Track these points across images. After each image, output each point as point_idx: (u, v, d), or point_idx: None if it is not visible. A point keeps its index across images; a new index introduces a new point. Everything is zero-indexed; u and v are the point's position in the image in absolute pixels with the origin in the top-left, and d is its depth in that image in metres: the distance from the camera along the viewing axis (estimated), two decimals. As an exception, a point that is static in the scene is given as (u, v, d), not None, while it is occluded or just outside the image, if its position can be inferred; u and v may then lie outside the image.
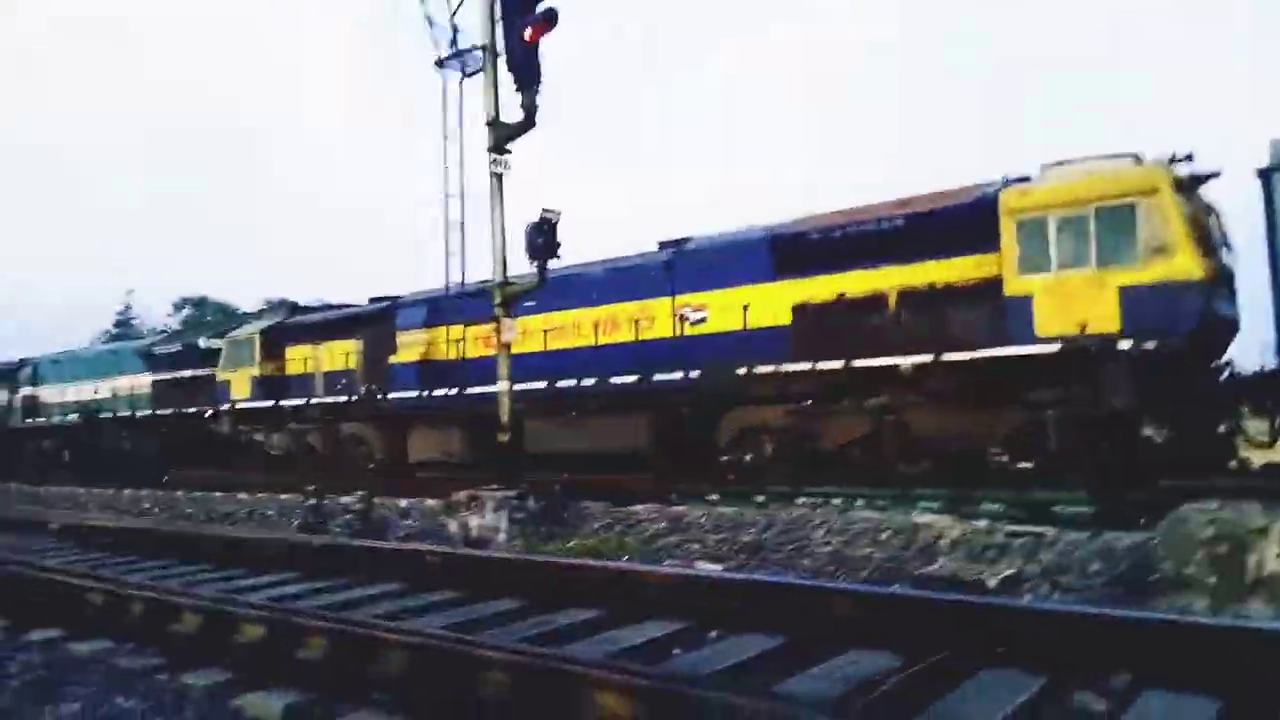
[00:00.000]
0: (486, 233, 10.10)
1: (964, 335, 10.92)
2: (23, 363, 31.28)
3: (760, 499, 10.88)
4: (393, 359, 17.76)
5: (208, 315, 62.46)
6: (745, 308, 12.90)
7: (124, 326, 66.69)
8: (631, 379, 13.80)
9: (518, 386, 15.62)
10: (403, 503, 9.81)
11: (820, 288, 12.32)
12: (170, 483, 16.72)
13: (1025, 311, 10.43)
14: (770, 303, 12.86)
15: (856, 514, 6.85)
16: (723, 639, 3.89)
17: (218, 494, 13.39)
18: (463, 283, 12.13)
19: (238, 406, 21.05)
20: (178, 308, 68.19)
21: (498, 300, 9.58)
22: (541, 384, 14.89)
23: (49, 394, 28.58)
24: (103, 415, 25.46)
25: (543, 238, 9.06)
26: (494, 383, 15.95)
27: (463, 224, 10.30)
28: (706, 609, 4.25)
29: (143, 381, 24.35)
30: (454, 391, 16.31)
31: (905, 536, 5.87)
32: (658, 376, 13.53)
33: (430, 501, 9.71)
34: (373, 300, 19.53)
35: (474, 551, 5.66)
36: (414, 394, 17.11)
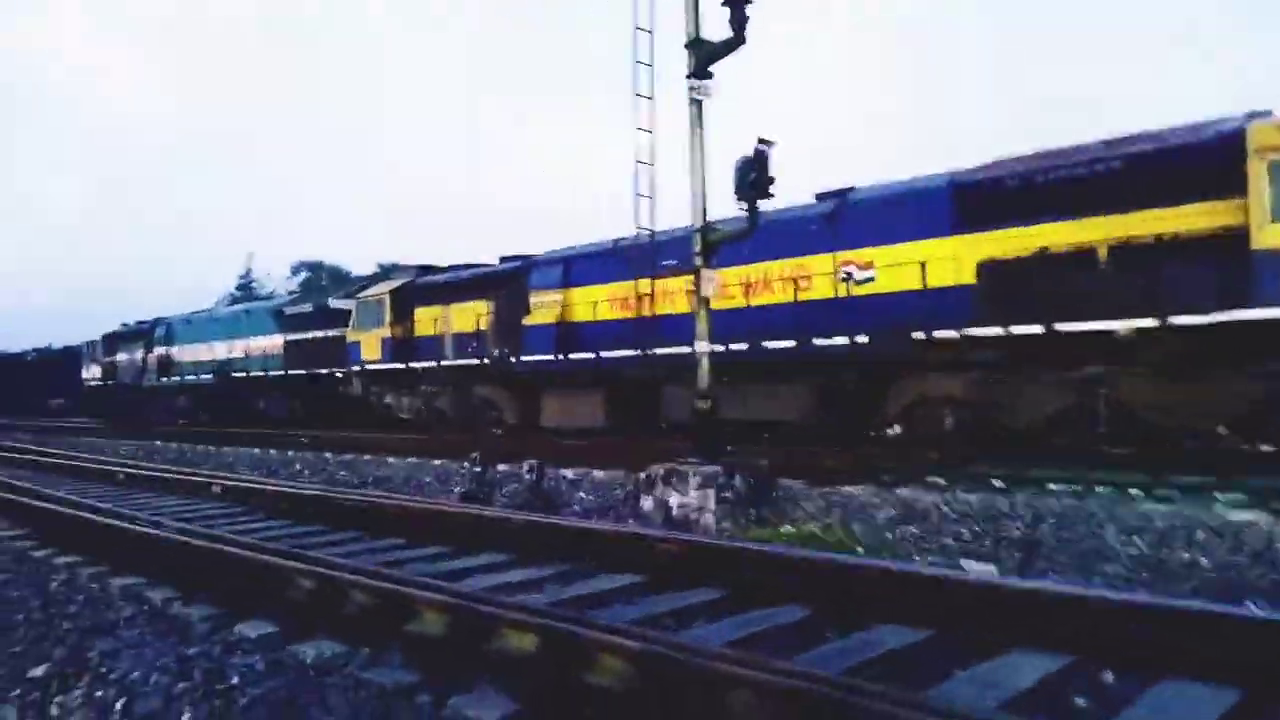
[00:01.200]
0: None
1: (1193, 296, 9.51)
2: (156, 322, 32.26)
3: (940, 480, 9.79)
4: (526, 320, 17.21)
5: (323, 278, 64.21)
6: (923, 265, 11.72)
7: (245, 289, 69.20)
8: (788, 344, 12.81)
9: (663, 351, 14.94)
10: (568, 473, 9.13)
11: (1013, 242, 11.02)
12: (313, 443, 16.59)
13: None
14: (949, 259, 11.64)
15: (1143, 508, 5.76)
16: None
17: (367, 456, 13.07)
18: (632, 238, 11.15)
19: (368, 368, 20.97)
20: (294, 271, 70.38)
21: (698, 248, 8.67)
22: (686, 349, 14.04)
23: (182, 353, 29.36)
24: (235, 375, 25.96)
25: (755, 173, 8.01)
26: (630, 346, 15.36)
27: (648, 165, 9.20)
28: (1019, 626, 3.33)
29: (275, 342, 24.64)
30: (591, 355, 15.64)
31: (1229, 539, 4.79)
32: (818, 341, 12.50)
33: (598, 473, 9.02)
34: (504, 260, 18.99)
35: (719, 542, 4.85)
36: (548, 357, 16.54)
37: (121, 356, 33.45)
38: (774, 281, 13.52)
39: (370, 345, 20.99)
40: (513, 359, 17.31)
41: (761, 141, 7.84)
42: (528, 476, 8.07)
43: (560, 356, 16.32)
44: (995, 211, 11.21)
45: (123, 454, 16.33)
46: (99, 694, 3.17)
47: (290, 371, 23.74)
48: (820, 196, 13.56)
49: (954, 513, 6.03)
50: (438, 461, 11.21)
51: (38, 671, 3.51)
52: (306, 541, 5.79)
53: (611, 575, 4.62)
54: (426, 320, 19.93)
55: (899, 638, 3.45)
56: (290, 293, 58.65)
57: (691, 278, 14.74)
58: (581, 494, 8.25)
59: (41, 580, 4.94)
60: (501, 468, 9.70)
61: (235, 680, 3.19)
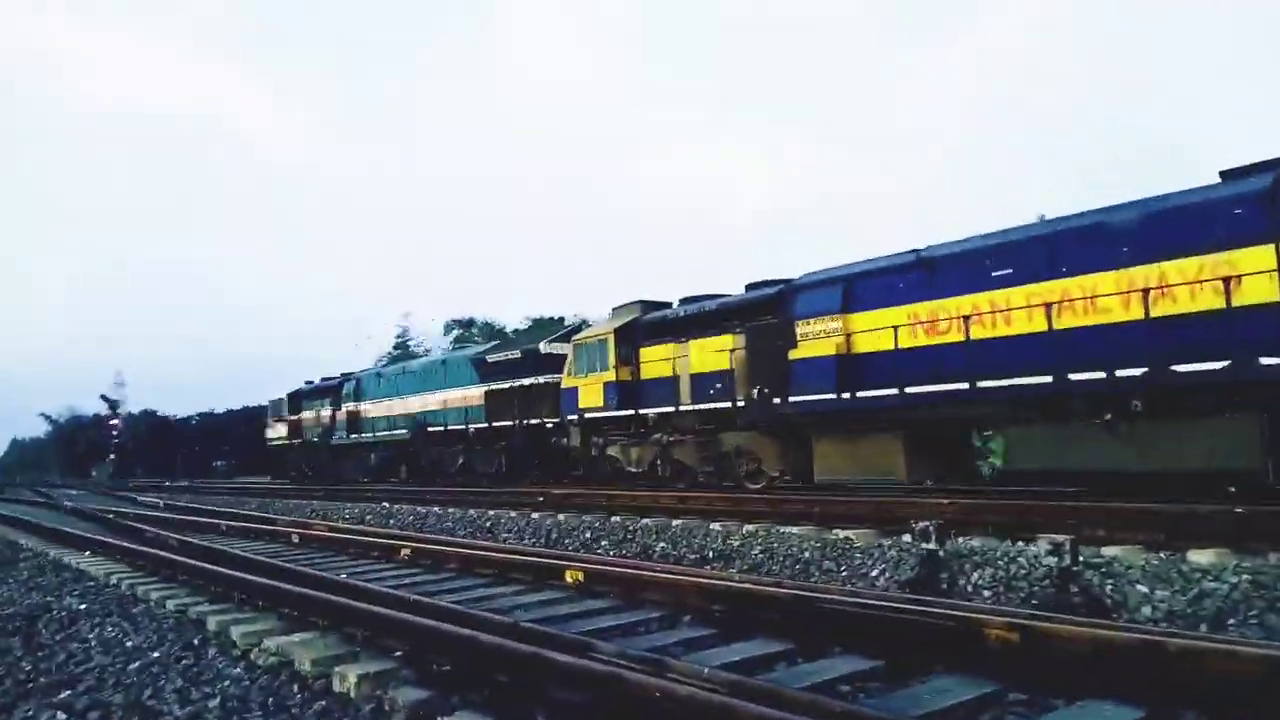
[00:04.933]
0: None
1: None
2: (345, 378, 31.53)
3: None
4: (792, 354, 14.53)
5: (475, 334, 64.18)
6: None
7: (403, 348, 70.07)
8: (1216, 365, 9.60)
9: (996, 383, 11.97)
10: (1114, 552, 6.17)
11: None
12: (545, 503, 14.37)
13: None
14: None
15: None
16: None
17: (645, 520, 10.58)
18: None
19: (588, 416, 18.77)
20: (447, 329, 70.95)
21: None
22: (1045, 378, 11.04)
23: (372, 409, 28.26)
24: (432, 429, 24.41)
25: None
26: (958, 378, 12.42)
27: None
28: None
29: (475, 393, 22.93)
30: (892, 391, 12.79)
31: None
32: (1268, 360, 9.25)
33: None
34: (751, 287, 16.47)
35: None
36: (827, 396, 13.78)
37: (307, 414, 32.88)
38: (1174, 286, 10.36)
39: (590, 391, 18.81)
40: (776, 400, 14.65)
41: None
42: (1048, 561, 5.29)
43: (844, 395, 13.54)
44: None
45: (367, 520, 14.49)
46: None
47: (495, 424, 21.88)
48: (1228, 173, 10.39)
49: None
50: (792, 529, 8.58)
51: None
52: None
53: None
54: (657, 361, 17.60)
55: None
56: (455, 345, 58.66)
57: (1034, 289, 11.93)
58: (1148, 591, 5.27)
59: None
60: (973, 542, 6.93)
61: None
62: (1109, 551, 6.15)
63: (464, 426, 23.04)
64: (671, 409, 16.91)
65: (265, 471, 48.19)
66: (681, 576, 5.45)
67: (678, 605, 5.15)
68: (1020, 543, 7.08)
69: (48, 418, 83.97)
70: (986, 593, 5.66)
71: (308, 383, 34.67)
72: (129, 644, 5.65)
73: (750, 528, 9.03)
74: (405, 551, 8.14)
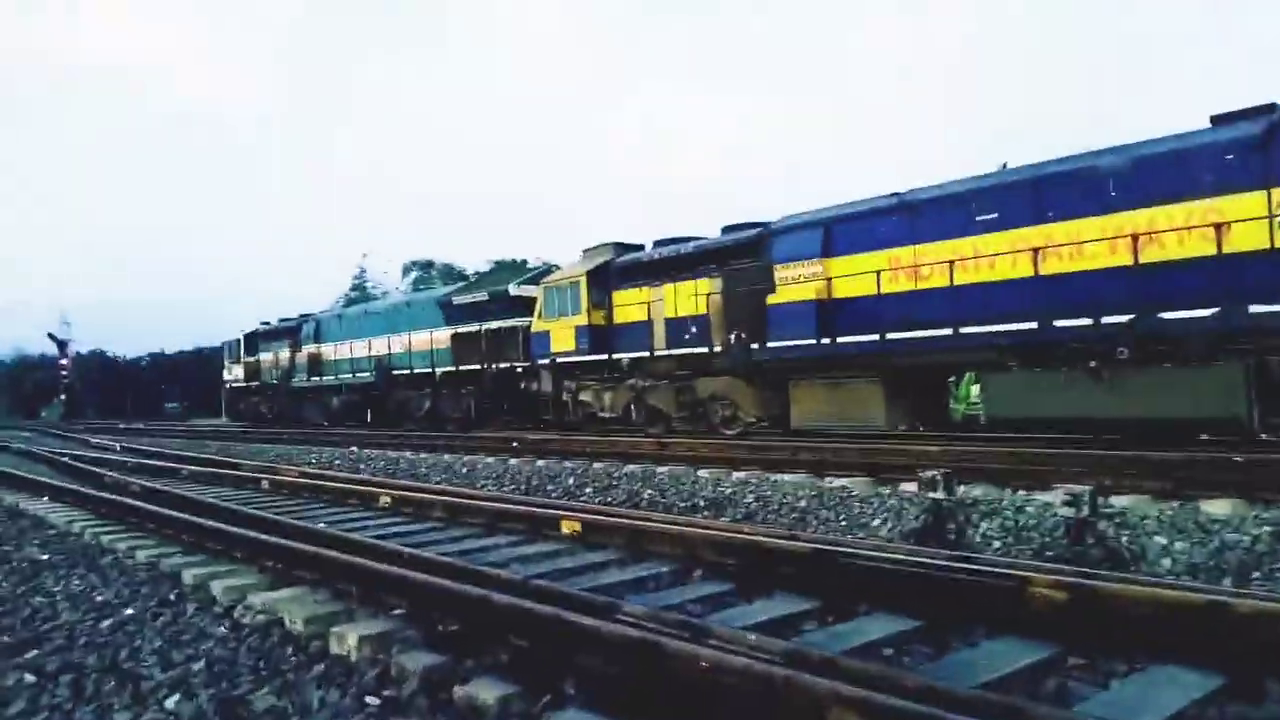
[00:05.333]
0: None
1: None
2: (304, 319, 30.72)
3: None
4: (771, 299, 14.32)
5: (434, 276, 63.06)
6: None
7: (359, 289, 68.64)
8: (1205, 312, 9.55)
9: (980, 329, 11.86)
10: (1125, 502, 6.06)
11: None
12: (520, 449, 14.09)
13: None
14: None
15: None
16: None
17: (631, 466, 10.36)
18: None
19: (559, 360, 18.45)
20: (406, 271, 69.57)
21: None
22: (1029, 324, 10.96)
23: (334, 351, 27.56)
24: (396, 372, 23.90)
25: None
26: (941, 324, 12.27)
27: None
28: None
29: (441, 335, 22.43)
30: (874, 337, 12.64)
31: None
32: (1257, 308, 9.22)
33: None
34: (728, 230, 16.13)
35: None
36: (807, 341, 13.62)
37: (265, 356, 32.05)
38: (1162, 232, 10.24)
39: (562, 335, 18.46)
40: (754, 345, 14.46)
41: None
42: (1064, 511, 5.15)
43: (824, 340, 13.38)
44: None
45: (380, 468, 14.10)
46: None
47: (462, 367, 21.45)
48: (1220, 119, 10.23)
49: None
50: (787, 476, 8.42)
51: None
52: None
53: None
54: (631, 304, 17.27)
55: None
56: (415, 287, 57.62)
57: (1019, 234, 11.77)
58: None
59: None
60: (975, 491, 6.82)
61: None
62: (1119, 501, 6.06)
63: (430, 370, 22.58)
64: (646, 354, 16.66)
65: (220, 414, 47.30)
66: (690, 528, 5.22)
67: (688, 558, 4.94)
68: (1022, 491, 7.00)
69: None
70: (996, 544, 5.53)
71: (264, 324, 33.71)
72: (99, 598, 5.30)
73: (740, 475, 8.86)
74: (385, 499, 7.84)
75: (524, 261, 49.80)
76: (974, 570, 3.65)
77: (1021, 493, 6.84)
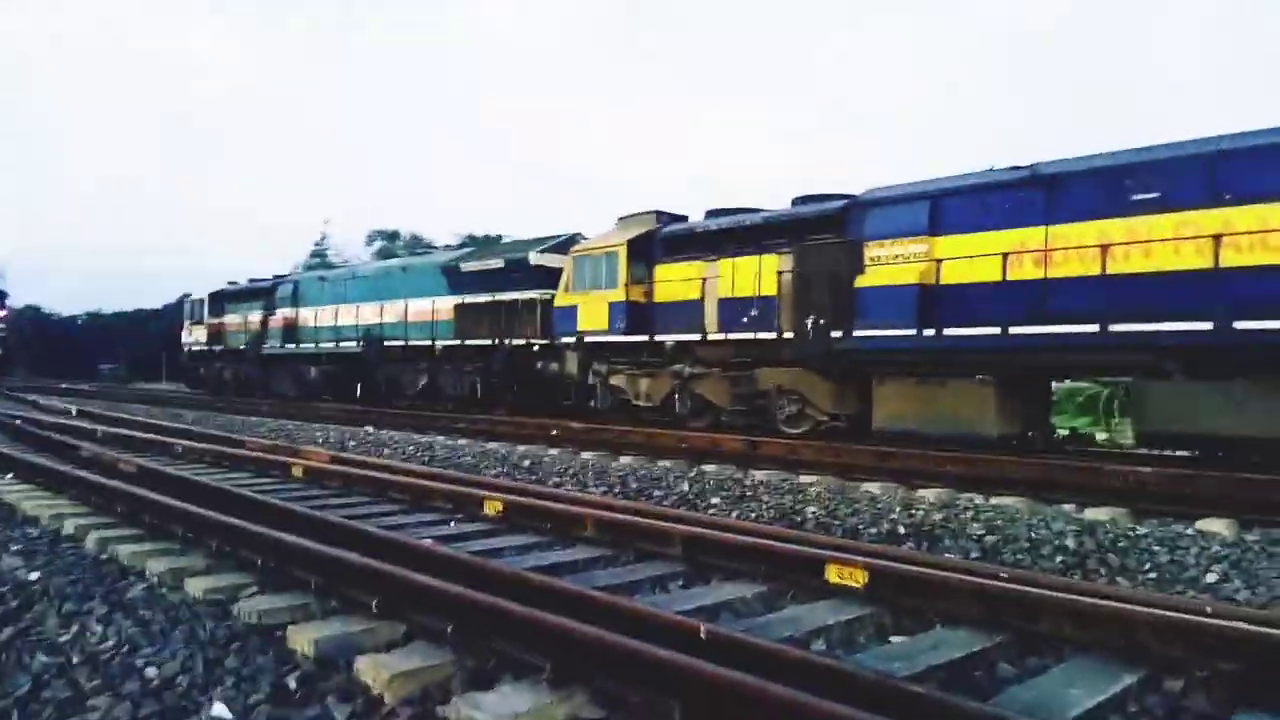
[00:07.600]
0: None
1: None
2: (279, 280, 28.17)
3: None
4: (859, 281, 12.55)
5: (399, 247, 60.37)
6: None
7: (320, 256, 65.51)
8: None
9: (1145, 327, 10.23)
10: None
11: None
12: (559, 438, 12.17)
13: None
14: None
15: None
16: None
17: (701, 464, 8.52)
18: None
19: (588, 340, 16.48)
20: (369, 240, 66.74)
21: None
22: (1202, 324, 9.35)
23: (314, 316, 25.13)
24: (388, 343, 21.64)
25: None
26: (1084, 319, 10.61)
27: None
28: None
29: (444, 305, 20.25)
30: (993, 330, 10.96)
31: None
32: None
33: None
34: (799, 200, 14.32)
35: None
36: (905, 331, 11.88)
37: (232, 319, 29.41)
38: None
39: (592, 311, 16.48)
40: (835, 333, 12.68)
41: None
42: None
43: (927, 331, 11.66)
44: None
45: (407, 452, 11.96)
46: None
47: (467, 341, 19.32)
48: None
49: None
50: (1008, 501, 6.64)
51: None
52: None
53: None
54: (676, 280, 15.37)
55: None
56: (378, 256, 54.92)
57: (1187, 217, 10.17)
58: None
59: None
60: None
61: None
62: None
63: (430, 343, 20.38)
64: (696, 337, 14.77)
65: (167, 378, 44.19)
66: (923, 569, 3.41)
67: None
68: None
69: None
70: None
71: (231, 283, 31.04)
72: (147, 669, 3.29)
73: (871, 488, 7.04)
74: (495, 507, 5.85)
75: (499, 237, 47.55)
76: None
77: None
